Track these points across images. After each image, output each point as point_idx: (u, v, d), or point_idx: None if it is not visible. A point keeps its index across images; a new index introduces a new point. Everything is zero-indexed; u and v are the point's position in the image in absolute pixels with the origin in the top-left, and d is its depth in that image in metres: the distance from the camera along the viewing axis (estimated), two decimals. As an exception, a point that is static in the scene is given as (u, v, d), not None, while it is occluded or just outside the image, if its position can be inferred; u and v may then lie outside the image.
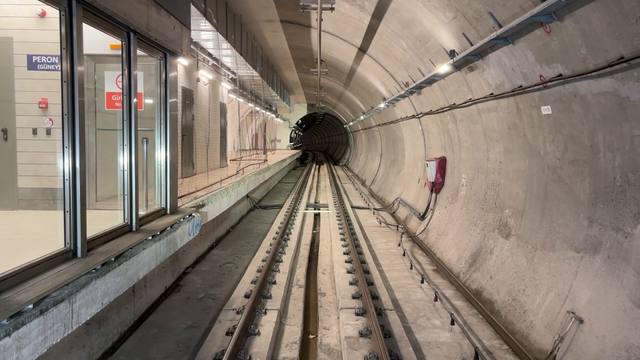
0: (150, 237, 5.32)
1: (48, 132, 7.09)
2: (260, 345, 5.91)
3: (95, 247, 4.42)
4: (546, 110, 6.56)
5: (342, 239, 12.03)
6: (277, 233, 12.57)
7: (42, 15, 6.85)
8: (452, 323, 6.84)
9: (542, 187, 7.05)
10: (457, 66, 9.05)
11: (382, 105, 18.63)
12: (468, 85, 9.33)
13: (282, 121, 45.34)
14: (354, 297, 7.68)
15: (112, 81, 7.25)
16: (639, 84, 4.59)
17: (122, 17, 4.64)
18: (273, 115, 36.15)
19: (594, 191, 5.72)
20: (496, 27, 6.73)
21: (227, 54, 14.60)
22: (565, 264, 6.09)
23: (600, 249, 5.48)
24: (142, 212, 5.65)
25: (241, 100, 20.91)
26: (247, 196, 16.84)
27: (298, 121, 51.35)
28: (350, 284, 8.38)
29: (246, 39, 15.92)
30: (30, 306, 3.12)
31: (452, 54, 8.91)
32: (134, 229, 5.30)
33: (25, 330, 3.00)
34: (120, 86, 5.29)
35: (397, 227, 14.41)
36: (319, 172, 37.50)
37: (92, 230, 4.40)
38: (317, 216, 16.47)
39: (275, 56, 23.08)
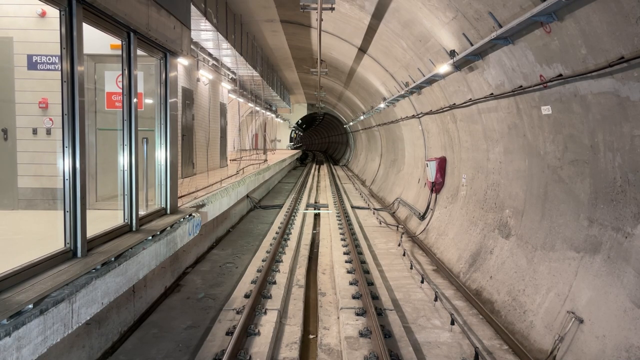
0: (150, 237, 5.32)
1: (48, 132, 7.09)
2: (260, 345, 5.91)
3: (95, 247, 4.42)
4: (546, 110, 6.56)
5: (342, 239, 12.03)
6: (277, 233, 12.57)
7: (42, 15, 6.85)
8: (452, 323, 6.84)
9: (542, 187, 7.05)
10: (457, 66, 9.05)
11: (382, 105, 18.63)
12: (468, 85, 9.33)
13: (282, 121, 45.34)
14: (354, 297, 7.68)
15: (112, 81, 7.25)
16: (639, 84, 4.59)
17: (122, 17, 4.64)
18: (273, 115, 36.16)
19: (594, 191, 5.72)
20: (496, 27, 6.73)
21: (227, 54, 14.61)
22: (565, 264, 6.09)
23: (600, 249, 5.48)
24: (142, 212, 5.65)
25: (241, 100, 20.91)
26: (247, 196, 16.84)
27: (298, 121, 51.35)
28: (350, 284, 8.38)
29: (246, 39, 15.93)
30: (30, 306, 3.12)
31: (452, 54, 8.91)
32: (134, 229, 5.30)
33: (25, 330, 3.00)
34: (120, 86, 5.29)
35: (397, 227, 14.41)
36: (319, 172, 37.50)
37: (92, 230, 4.40)
38: (317, 216, 16.47)
39: (275, 56, 23.08)
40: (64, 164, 3.97)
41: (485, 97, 8.65)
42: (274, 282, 8.33)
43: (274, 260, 9.68)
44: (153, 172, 6.30)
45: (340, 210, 16.29)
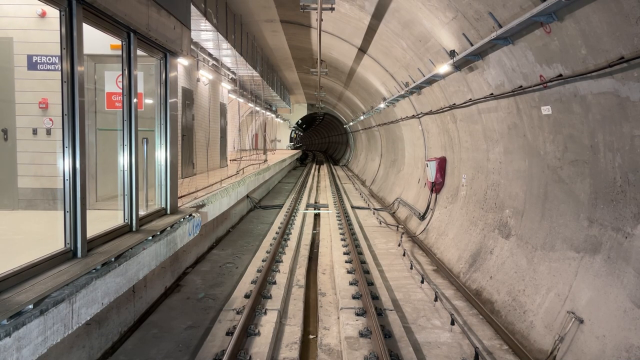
0: (150, 237, 5.32)
1: (48, 132, 7.09)
2: (260, 345, 5.91)
3: (96, 247, 4.42)
4: (546, 110, 6.56)
5: (342, 239, 12.03)
6: (277, 233, 12.57)
7: (42, 15, 6.85)
8: (452, 323, 6.84)
9: (542, 187, 7.05)
10: (457, 66, 9.05)
11: (382, 105, 18.63)
12: (468, 86, 9.33)
13: (282, 121, 45.33)
14: (354, 297, 7.68)
15: (112, 81, 7.25)
16: (639, 84, 4.59)
17: (122, 17, 4.64)
18: (273, 116, 36.15)
19: (594, 191, 5.72)
20: (496, 27, 6.73)
21: (227, 54, 14.60)
22: (565, 264, 6.09)
23: (600, 249, 5.48)
24: (142, 212, 5.65)
25: (241, 100, 20.91)
26: (247, 196, 16.84)
27: (298, 121, 51.34)
28: (351, 284, 8.38)
29: (246, 39, 15.92)
30: (31, 306, 3.12)
31: (452, 54, 8.92)
32: (134, 229, 5.30)
33: (25, 331, 3.00)
34: (120, 86, 5.29)
35: (397, 227, 14.41)
36: (319, 172, 37.50)
37: (92, 231, 4.40)
38: (317, 216, 16.47)
39: (275, 56, 23.08)
40: (64, 164, 3.97)
41: (485, 97, 8.65)
42: (274, 282, 8.33)
43: (274, 260, 9.68)
44: (153, 172, 6.30)
45: (340, 210, 16.29)
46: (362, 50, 15.86)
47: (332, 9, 10.17)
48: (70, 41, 3.92)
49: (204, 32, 11.49)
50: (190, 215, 6.93)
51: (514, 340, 6.23)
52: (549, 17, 5.43)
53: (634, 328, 4.64)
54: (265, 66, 21.20)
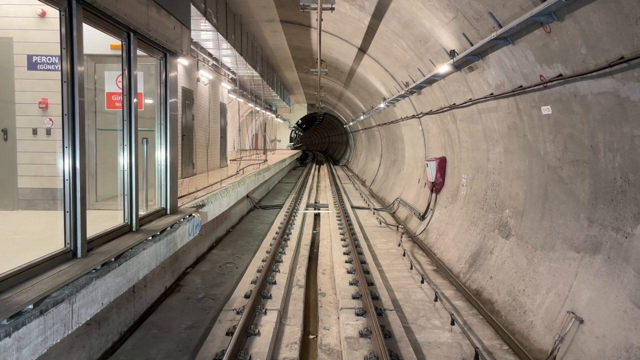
0: (150, 238, 5.32)
1: (48, 132, 7.09)
2: (260, 345, 5.91)
3: (96, 247, 4.42)
4: (546, 110, 6.56)
5: (342, 239, 12.03)
6: (277, 233, 12.57)
7: (42, 15, 6.85)
8: (452, 323, 6.84)
9: (542, 187, 7.05)
10: (457, 66, 9.05)
11: (382, 105, 18.63)
12: (468, 86, 9.33)
13: (282, 121, 45.32)
14: (354, 297, 7.68)
15: (112, 81, 7.24)
16: (639, 84, 4.59)
17: (122, 17, 4.63)
18: (273, 115, 36.15)
19: (594, 191, 5.71)
20: (496, 27, 6.73)
21: (227, 54, 14.60)
22: (566, 264, 6.09)
23: (600, 249, 5.48)
24: (142, 212, 5.65)
25: (241, 100, 20.91)
26: (247, 196, 16.84)
27: (298, 121, 51.33)
28: (351, 284, 8.38)
29: (246, 39, 15.92)
30: (31, 306, 3.12)
31: (452, 54, 8.91)
32: (134, 229, 5.30)
33: (25, 331, 3.00)
34: (120, 86, 5.29)
35: (397, 227, 14.41)
36: (319, 172, 37.50)
37: (92, 231, 4.40)
38: (317, 216, 16.47)
39: (275, 56, 23.08)
40: (64, 164, 3.97)
41: (485, 97, 8.65)
42: (274, 282, 8.33)
43: (274, 260, 9.68)
44: (153, 172, 6.30)
45: (340, 210, 16.29)
46: (362, 50, 15.86)
47: (332, 9, 10.17)
48: (70, 41, 3.91)
49: (203, 32, 11.49)
50: (190, 215, 6.92)
51: (514, 340, 6.23)
52: (549, 17, 5.43)
53: (634, 328, 4.64)
54: (265, 66, 21.20)
